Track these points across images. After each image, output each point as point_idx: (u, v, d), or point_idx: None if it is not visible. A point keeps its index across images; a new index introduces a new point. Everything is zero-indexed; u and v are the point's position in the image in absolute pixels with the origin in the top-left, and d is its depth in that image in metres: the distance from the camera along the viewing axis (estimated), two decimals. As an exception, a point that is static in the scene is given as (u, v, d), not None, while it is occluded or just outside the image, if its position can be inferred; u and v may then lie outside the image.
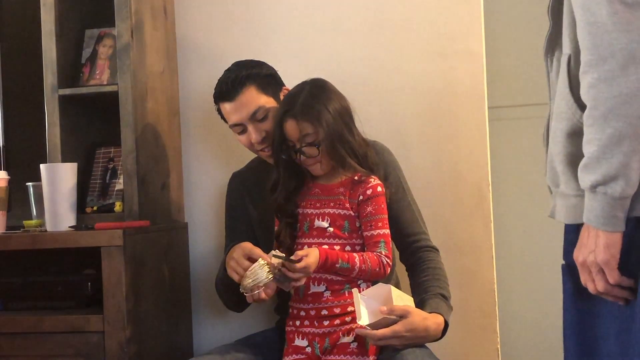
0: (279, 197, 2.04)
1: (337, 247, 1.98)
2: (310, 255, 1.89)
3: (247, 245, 1.99)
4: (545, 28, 1.63)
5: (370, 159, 2.06)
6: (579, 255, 1.48)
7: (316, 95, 2.01)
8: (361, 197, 2.00)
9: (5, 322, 2.17)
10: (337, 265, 1.93)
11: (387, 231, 2.01)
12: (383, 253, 1.97)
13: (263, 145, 2.16)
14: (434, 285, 2.07)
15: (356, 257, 1.95)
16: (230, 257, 2.00)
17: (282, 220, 2.05)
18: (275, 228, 2.08)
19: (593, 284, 1.47)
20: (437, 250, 2.17)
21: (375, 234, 1.98)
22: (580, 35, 1.43)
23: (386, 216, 2.01)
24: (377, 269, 1.96)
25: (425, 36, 2.50)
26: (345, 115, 2.02)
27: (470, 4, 2.48)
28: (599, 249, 1.43)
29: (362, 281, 1.99)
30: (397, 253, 2.19)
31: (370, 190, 2.00)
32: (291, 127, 1.98)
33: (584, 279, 1.49)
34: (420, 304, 2.01)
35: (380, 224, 1.99)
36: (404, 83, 2.50)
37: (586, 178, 1.42)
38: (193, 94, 2.61)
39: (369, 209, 1.99)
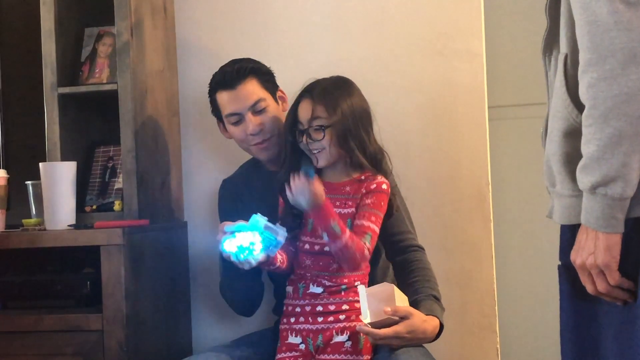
0: (284, 176, 2.01)
1: None
2: (318, 186, 1.87)
3: (222, 225, 1.96)
4: (545, 27, 1.62)
5: (384, 166, 2.04)
6: (576, 258, 1.46)
7: (340, 86, 2.01)
8: (364, 190, 1.98)
9: (4, 321, 2.17)
10: (331, 222, 1.87)
11: (377, 228, 1.97)
12: (367, 245, 1.93)
13: (258, 138, 2.17)
14: (425, 286, 2.06)
15: (347, 231, 1.91)
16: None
17: (287, 207, 2.01)
18: (280, 208, 2.06)
19: (592, 285, 1.46)
20: (423, 249, 2.15)
21: (365, 224, 1.95)
22: (579, 34, 1.42)
23: (381, 215, 1.99)
24: (357, 256, 1.90)
25: (426, 35, 2.49)
26: (363, 115, 2.01)
27: (470, 3, 2.47)
28: (599, 251, 1.42)
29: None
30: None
31: (375, 185, 1.98)
32: (305, 107, 1.98)
33: (582, 280, 1.47)
34: (413, 305, 2.00)
35: (373, 218, 1.96)
36: (404, 82, 2.50)
37: (585, 179, 1.41)
38: (193, 93, 2.61)
39: (368, 201, 1.97)
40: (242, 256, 1.88)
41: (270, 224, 1.88)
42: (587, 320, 1.53)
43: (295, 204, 1.91)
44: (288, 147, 2.03)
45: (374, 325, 1.88)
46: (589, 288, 1.47)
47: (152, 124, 2.39)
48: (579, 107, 1.45)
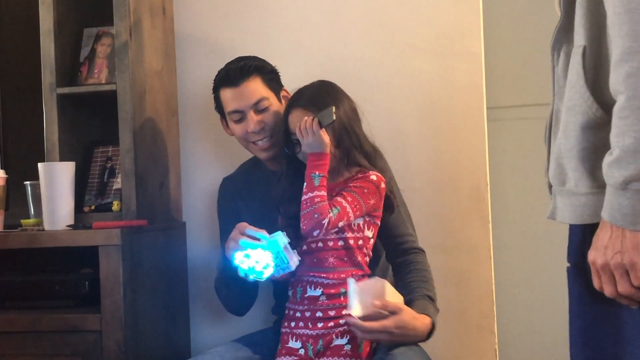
0: (282, 193, 2.03)
1: (341, 243, 1.98)
2: (325, 135, 1.91)
3: (243, 224, 1.98)
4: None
5: (379, 163, 2.04)
6: (598, 257, 1.38)
7: (326, 91, 2.02)
8: (354, 178, 1.99)
9: (2, 321, 2.17)
10: (317, 172, 1.90)
11: (349, 208, 1.93)
12: (330, 215, 1.90)
13: (258, 137, 2.18)
14: (421, 286, 2.06)
15: (323, 193, 1.90)
16: (229, 239, 1.99)
17: (285, 219, 2.03)
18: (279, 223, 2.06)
19: (612, 286, 1.38)
20: (423, 251, 2.15)
21: (338, 200, 1.94)
22: (614, 23, 1.36)
23: (360, 200, 1.95)
24: (316, 217, 1.88)
25: (424, 36, 2.49)
26: (353, 114, 2.02)
27: (469, 4, 2.47)
28: (626, 249, 1.34)
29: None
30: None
31: (363, 175, 1.98)
32: (295, 117, 1.98)
33: (599, 282, 1.39)
34: (407, 304, 1.99)
35: (349, 198, 1.94)
36: (403, 83, 2.50)
37: (617, 173, 1.32)
38: (191, 93, 2.61)
39: (351, 184, 1.98)
40: (252, 277, 1.91)
41: (289, 247, 1.89)
42: (602, 323, 1.46)
43: (302, 145, 1.93)
44: (285, 162, 2.04)
45: (363, 318, 1.87)
46: (609, 290, 1.38)
47: (150, 124, 2.39)
48: (600, 100, 1.39)
